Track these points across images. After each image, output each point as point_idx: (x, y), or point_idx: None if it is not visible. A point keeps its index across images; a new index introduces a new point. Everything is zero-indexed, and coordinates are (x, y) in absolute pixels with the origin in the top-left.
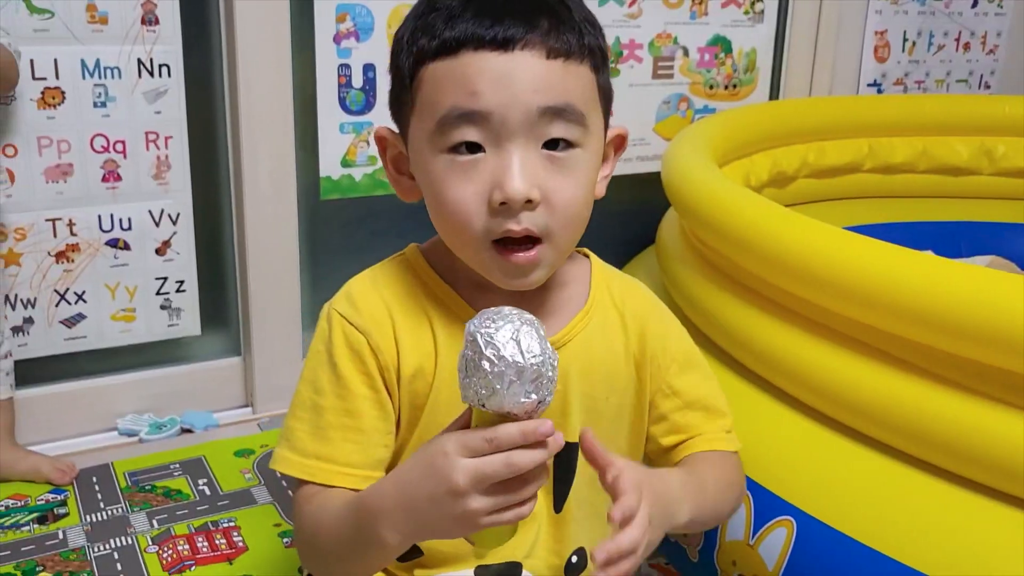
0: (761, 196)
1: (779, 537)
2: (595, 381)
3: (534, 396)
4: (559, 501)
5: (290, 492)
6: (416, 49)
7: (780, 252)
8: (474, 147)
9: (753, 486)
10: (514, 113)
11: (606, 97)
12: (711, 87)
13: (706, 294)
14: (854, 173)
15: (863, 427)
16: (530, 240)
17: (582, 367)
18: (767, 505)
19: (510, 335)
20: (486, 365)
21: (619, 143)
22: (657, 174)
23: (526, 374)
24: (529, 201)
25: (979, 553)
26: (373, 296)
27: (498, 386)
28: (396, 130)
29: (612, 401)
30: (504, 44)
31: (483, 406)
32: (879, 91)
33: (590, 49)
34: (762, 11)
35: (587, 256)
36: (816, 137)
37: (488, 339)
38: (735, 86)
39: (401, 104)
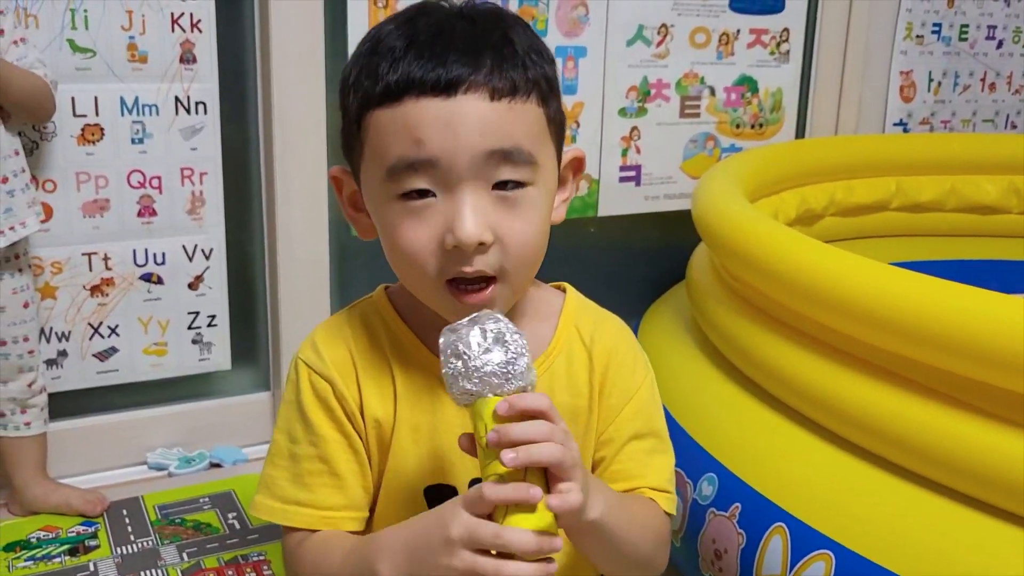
0: (794, 230)
1: (818, 571)
2: None
3: (511, 386)
4: None
5: None
6: (361, 93)
7: (816, 285)
8: (425, 192)
9: (790, 519)
10: (461, 159)
11: (558, 127)
12: (738, 126)
13: (738, 328)
14: (882, 211)
15: (900, 459)
16: (483, 279)
17: None
18: (805, 538)
19: (476, 342)
20: (460, 377)
21: (577, 166)
22: (684, 212)
23: (496, 373)
24: (481, 244)
25: None
26: (338, 343)
27: (475, 389)
28: (348, 169)
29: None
30: (447, 88)
31: (470, 405)
32: (905, 131)
33: (535, 82)
34: (788, 51)
35: (564, 291)
36: (844, 175)
37: (455, 351)
38: (761, 125)
39: (351, 146)
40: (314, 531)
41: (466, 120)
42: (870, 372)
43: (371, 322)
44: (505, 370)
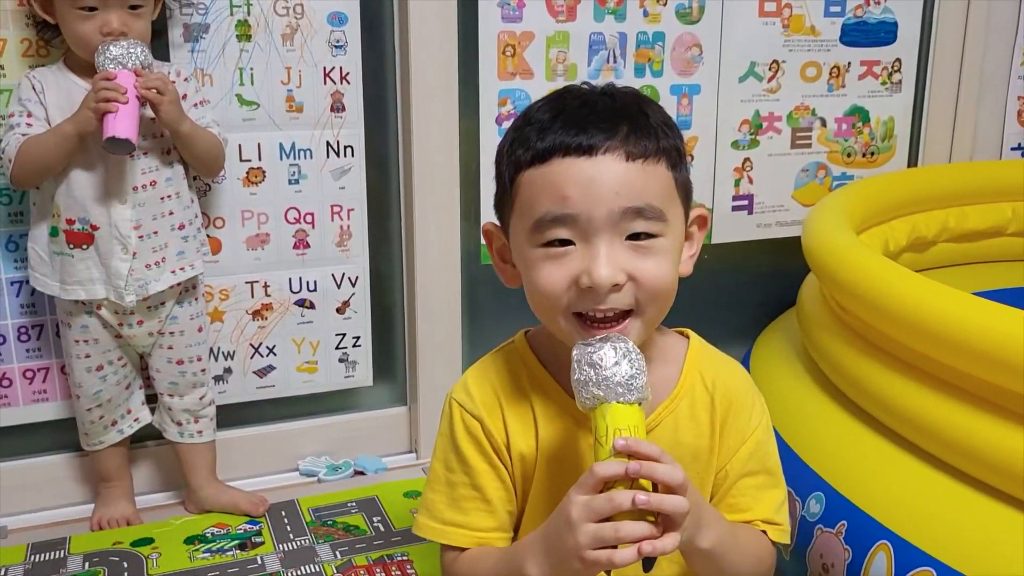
0: (895, 263)
1: None
2: (682, 462)
3: (631, 397)
4: (649, 563)
5: None
6: (514, 159)
7: (916, 317)
8: (565, 242)
9: (894, 537)
10: (599, 213)
11: (685, 189)
12: (849, 155)
13: (844, 355)
14: (997, 237)
15: (998, 483)
16: (618, 317)
17: (668, 449)
18: (908, 555)
19: (609, 356)
20: (590, 383)
21: (701, 223)
22: (796, 239)
23: (621, 383)
24: (616, 285)
25: None
26: (485, 385)
27: (600, 393)
28: (499, 224)
29: (696, 477)
30: (588, 150)
31: (594, 408)
32: None
33: (666, 151)
34: (900, 81)
35: (687, 337)
36: (957, 202)
37: (589, 360)
38: (873, 153)
39: (503, 205)
40: (467, 549)
41: (604, 179)
42: (970, 400)
43: (514, 365)
44: (629, 383)
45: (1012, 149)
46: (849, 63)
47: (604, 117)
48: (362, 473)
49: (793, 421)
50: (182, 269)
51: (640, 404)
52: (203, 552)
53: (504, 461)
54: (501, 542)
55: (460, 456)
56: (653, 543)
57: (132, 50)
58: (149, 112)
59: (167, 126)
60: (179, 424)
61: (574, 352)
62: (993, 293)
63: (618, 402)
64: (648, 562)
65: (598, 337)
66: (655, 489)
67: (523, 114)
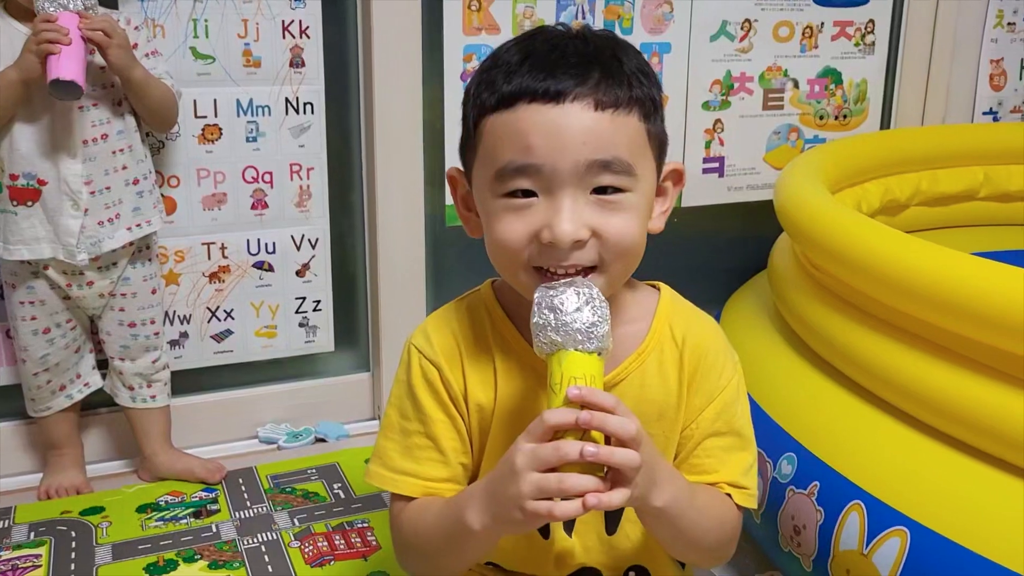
0: (874, 220)
1: (893, 547)
2: (648, 418)
3: (591, 346)
4: (612, 524)
5: None
6: (479, 102)
7: (895, 274)
8: (528, 193)
9: (867, 497)
10: (564, 165)
11: (659, 142)
12: (821, 117)
13: (817, 315)
14: (969, 201)
15: (973, 440)
16: (580, 273)
17: (633, 405)
18: (881, 515)
19: (571, 301)
20: (549, 328)
21: (676, 177)
22: (767, 202)
23: (581, 331)
24: (578, 241)
25: None
26: (446, 332)
27: (559, 339)
28: (463, 171)
29: (661, 435)
30: (556, 97)
31: (551, 355)
32: (995, 119)
33: (639, 100)
34: (873, 43)
35: (658, 289)
36: (929, 165)
37: (550, 304)
38: (845, 116)
39: (466, 150)
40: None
41: (571, 128)
42: (946, 357)
43: (477, 314)
44: (590, 331)
45: (983, 113)
46: (822, 23)
47: (575, 62)
48: (323, 440)
49: (764, 381)
50: (138, 226)
51: (600, 354)
52: (156, 520)
53: (460, 411)
54: (452, 493)
55: (416, 403)
56: (599, 496)
57: None
58: (99, 60)
59: (117, 72)
60: (131, 388)
61: (535, 294)
62: None
63: (576, 350)
64: (611, 524)
65: (562, 281)
66: (607, 442)
67: (492, 54)
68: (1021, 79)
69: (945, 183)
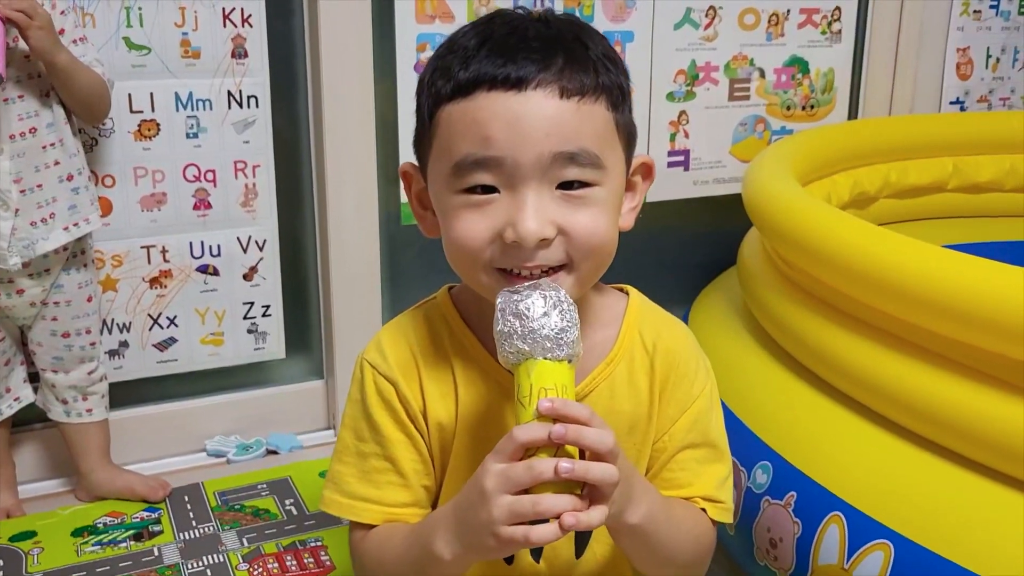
0: (847, 213)
1: (876, 561)
2: (618, 431)
3: (561, 353)
4: (581, 546)
5: None
6: (434, 91)
7: (868, 268)
8: (488, 188)
9: (847, 508)
10: (527, 158)
11: (627, 133)
12: (788, 108)
13: (789, 313)
14: (938, 192)
15: (957, 446)
16: (547, 273)
17: (604, 415)
18: (863, 528)
19: (537, 305)
20: (515, 336)
21: (646, 171)
22: (734, 196)
23: (550, 337)
24: (544, 240)
25: None
26: (401, 345)
27: (526, 348)
28: (418, 165)
29: (633, 448)
30: (517, 84)
31: (518, 364)
32: (962, 109)
33: (606, 88)
34: (839, 31)
35: (627, 294)
36: (899, 156)
37: (515, 310)
38: (813, 106)
39: (421, 144)
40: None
41: (533, 118)
42: (924, 357)
43: (434, 324)
44: (559, 337)
45: (951, 103)
46: (788, 10)
47: (536, 47)
48: (275, 452)
49: (736, 386)
50: (76, 225)
51: (570, 362)
52: (92, 545)
53: (420, 429)
54: (416, 519)
55: (372, 424)
56: (577, 515)
57: None
58: (23, 47)
59: (40, 56)
60: (64, 402)
61: (498, 299)
62: None
63: (545, 358)
64: (580, 546)
65: (526, 284)
66: (582, 457)
67: (448, 40)
68: (987, 68)
69: (914, 175)
